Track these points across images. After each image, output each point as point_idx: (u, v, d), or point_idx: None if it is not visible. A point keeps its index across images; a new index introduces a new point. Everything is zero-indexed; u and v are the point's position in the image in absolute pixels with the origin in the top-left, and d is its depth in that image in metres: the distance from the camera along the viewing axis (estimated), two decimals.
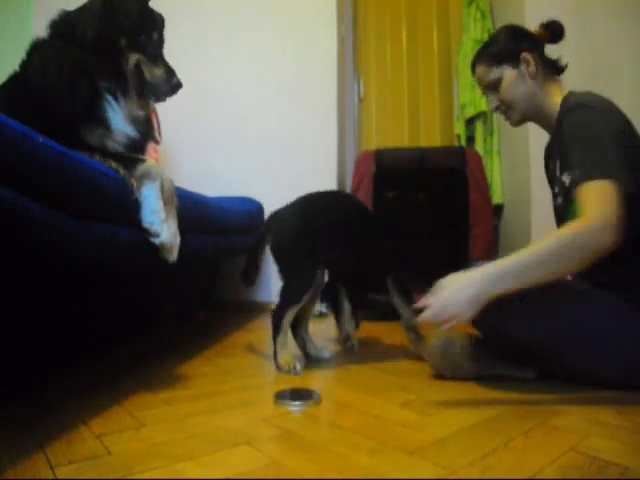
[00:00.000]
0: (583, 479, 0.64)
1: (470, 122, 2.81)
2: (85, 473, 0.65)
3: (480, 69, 1.29)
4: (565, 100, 1.18)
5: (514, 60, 1.23)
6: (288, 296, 1.30)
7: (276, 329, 1.28)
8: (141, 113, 1.24)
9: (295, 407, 0.96)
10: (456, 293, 0.98)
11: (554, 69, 1.25)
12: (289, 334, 1.33)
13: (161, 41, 1.29)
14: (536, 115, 1.26)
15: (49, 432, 0.80)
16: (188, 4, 2.65)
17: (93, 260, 1.04)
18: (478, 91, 2.68)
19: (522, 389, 1.06)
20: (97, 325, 1.43)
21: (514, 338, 1.06)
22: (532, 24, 1.30)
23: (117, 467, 0.67)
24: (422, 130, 3.06)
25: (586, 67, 2.18)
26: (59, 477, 0.64)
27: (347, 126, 2.98)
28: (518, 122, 1.29)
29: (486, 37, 2.75)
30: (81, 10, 1.19)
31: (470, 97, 2.72)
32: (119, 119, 1.17)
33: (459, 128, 2.85)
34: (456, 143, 2.92)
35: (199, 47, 2.62)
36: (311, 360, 1.37)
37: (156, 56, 1.26)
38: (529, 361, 1.14)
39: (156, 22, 1.28)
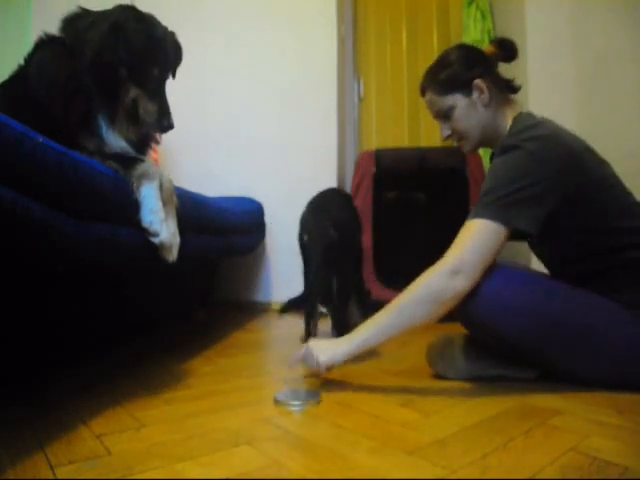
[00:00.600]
0: (583, 479, 0.64)
1: None
2: (85, 473, 0.65)
3: (429, 96, 1.22)
4: (510, 128, 1.15)
5: (466, 88, 1.17)
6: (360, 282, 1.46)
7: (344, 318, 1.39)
8: (132, 137, 1.22)
9: (295, 407, 0.96)
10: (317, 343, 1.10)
11: (508, 89, 1.22)
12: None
13: (163, 76, 1.25)
14: (489, 142, 1.22)
15: (49, 432, 0.80)
16: (189, 4, 2.65)
17: (93, 260, 1.04)
18: None
19: (522, 389, 1.06)
20: (97, 325, 1.43)
21: (508, 339, 1.06)
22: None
23: (117, 467, 0.67)
24: (422, 130, 3.06)
25: (586, 67, 2.18)
26: (59, 477, 0.64)
27: (347, 126, 2.98)
28: (472, 150, 1.25)
29: (486, 37, 2.75)
30: (90, 25, 1.15)
31: None
32: (112, 137, 1.16)
33: None
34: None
35: (199, 47, 2.62)
36: None
37: (154, 92, 1.21)
38: (528, 361, 1.14)
39: (163, 56, 1.23)
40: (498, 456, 0.71)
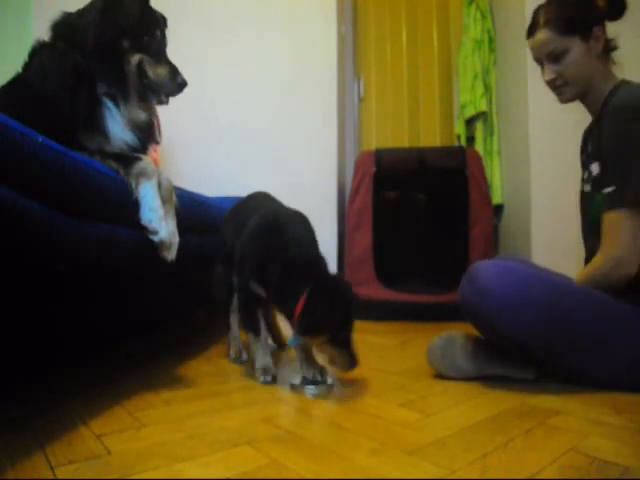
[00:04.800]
0: (583, 479, 0.64)
1: (470, 122, 2.81)
2: (85, 473, 0.65)
3: (545, 33, 1.16)
4: (615, 89, 1.15)
5: (586, 33, 1.14)
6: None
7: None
8: (143, 116, 1.24)
9: (310, 391, 1.03)
10: None
11: (609, 48, 1.20)
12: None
13: (164, 40, 1.29)
14: (587, 95, 1.20)
15: (49, 432, 0.80)
16: (189, 4, 2.65)
17: (93, 260, 1.03)
18: (478, 91, 2.68)
19: (522, 389, 1.06)
20: (97, 325, 1.43)
21: (515, 339, 1.06)
22: None
23: (117, 467, 0.67)
24: (422, 130, 3.06)
25: None
26: (59, 477, 0.64)
27: (347, 126, 2.98)
28: (569, 100, 1.22)
29: (486, 37, 2.75)
30: (81, 13, 1.19)
31: (470, 97, 2.72)
32: (118, 127, 1.17)
33: (459, 128, 2.85)
34: (456, 143, 2.92)
35: (199, 47, 2.62)
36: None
37: (159, 55, 1.25)
38: (529, 361, 1.14)
39: (158, 21, 1.28)
40: (498, 456, 0.71)
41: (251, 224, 1.17)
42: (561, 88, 1.21)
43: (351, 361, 1.05)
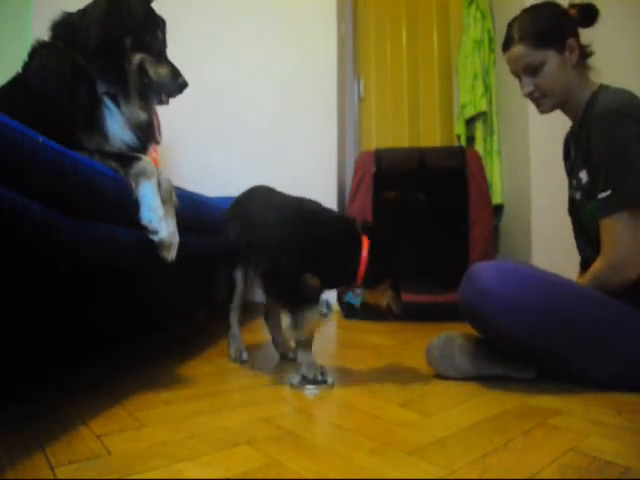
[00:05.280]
0: (583, 479, 0.64)
1: (470, 122, 2.81)
2: (85, 473, 0.65)
3: (520, 49, 1.19)
4: (595, 95, 1.16)
5: (560, 45, 1.16)
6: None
7: None
8: (143, 116, 1.24)
9: (310, 390, 1.03)
10: None
11: (585, 55, 1.21)
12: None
13: (165, 42, 1.30)
14: (566, 104, 1.22)
15: (49, 432, 0.80)
16: (189, 4, 2.65)
17: (93, 260, 1.03)
18: (478, 91, 2.69)
19: (522, 389, 1.06)
20: (97, 325, 1.43)
21: (515, 339, 1.06)
22: None
23: (117, 467, 0.67)
24: (422, 130, 3.06)
25: None
26: (59, 477, 0.64)
27: (347, 126, 2.98)
28: (549, 110, 1.24)
29: (486, 37, 2.75)
30: (83, 12, 1.19)
31: (470, 97, 2.73)
32: (118, 126, 1.17)
33: (459, 128, 2.85)
34: (456, 143, 2.92)
35: (199, 47, 2.62)
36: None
37: (161, 56, 1.26)
38: (529, 361, 1.14)
39: (159, 22, 1.28)
40: (498, 456, 0.71)
41: (284, 223, 1.19)
42: (540, 100, 1.22)
43: (402, 302, 1.22)
